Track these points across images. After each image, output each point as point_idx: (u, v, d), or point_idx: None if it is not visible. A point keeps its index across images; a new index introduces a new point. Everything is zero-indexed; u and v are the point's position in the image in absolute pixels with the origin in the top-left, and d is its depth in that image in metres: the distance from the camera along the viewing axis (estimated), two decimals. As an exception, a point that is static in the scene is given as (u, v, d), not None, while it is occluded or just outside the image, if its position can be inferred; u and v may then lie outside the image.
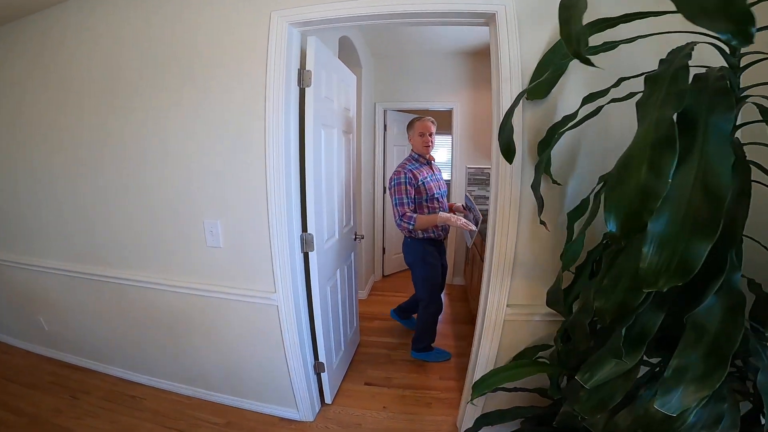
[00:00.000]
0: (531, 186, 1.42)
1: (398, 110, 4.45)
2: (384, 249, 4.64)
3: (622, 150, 0.82)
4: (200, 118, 1.80)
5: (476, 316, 1.99)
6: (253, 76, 1.69)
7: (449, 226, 2.64)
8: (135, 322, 2.28)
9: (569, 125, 1.29)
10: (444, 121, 6.67)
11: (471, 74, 4.11)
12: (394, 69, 4.15)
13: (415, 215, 2.41)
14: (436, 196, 2.56)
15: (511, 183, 1.61)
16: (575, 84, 1.52)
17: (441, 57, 4.08)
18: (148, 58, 1.83)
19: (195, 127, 1.81)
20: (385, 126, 4.38)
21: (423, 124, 2.55)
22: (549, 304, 1.43)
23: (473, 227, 2.43)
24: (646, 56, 1.14)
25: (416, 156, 2.61)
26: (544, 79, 1.40)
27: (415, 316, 3.33)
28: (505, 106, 1.53)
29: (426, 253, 2.62)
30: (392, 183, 2.47)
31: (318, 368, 2.19)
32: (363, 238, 2.72)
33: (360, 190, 3.76)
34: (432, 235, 2.60)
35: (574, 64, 1.37)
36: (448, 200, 4.04)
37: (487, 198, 4.32)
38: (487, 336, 1.81)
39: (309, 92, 1.78)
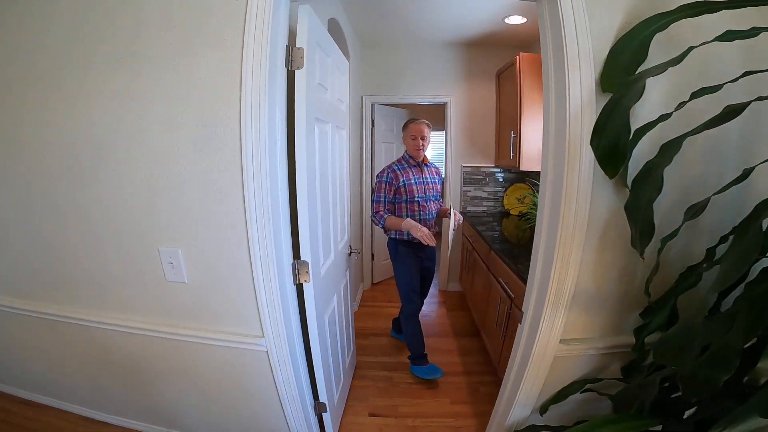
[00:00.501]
0: (625, 206, 1.05)
1: (387, 104, 4.02)
2: (373, 255, 4.23)
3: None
4: (148, 110, 1.30)
5: (480, 327, 1.65)
6: (227, 50, 1.21)
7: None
8: (86, 360, 1.79)
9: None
10: (436, 117, 6.38)
11: (467, 66, 3.74)
12: (382, 59, 3.73)
13: (386, 215, 2.44)
14: (416, 199, 2.50)
15: (577, 200, 1.23)
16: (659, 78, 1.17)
17: (434, 47, 3.69)
18: (70, 27, 1.29)
19: (142, 123, 1.31)
20: (372, 121, 3.95)
21: (416, 128, 2.49)
22: (660, 355, 1.04)
23: (432, 243, 2.32)
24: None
25: (407, 157, 2.59)
26: (626, 63, 1.10)
27: None
28: (575, 98, 1.18)
29: (399, 253, 2.59)
30: (377, 180, 2.52)
31: (319, 409, 1.83)
32: (359, 253, 2.30)
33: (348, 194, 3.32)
34: (404, 237, 2.52)
35: (657, 54, 1.10)
36: (444, 202, 3.71)
37: (485, 199, 3.98)
38: (530, 375, 1.49)
39: (300, 76, 1.33)
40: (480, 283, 3.07)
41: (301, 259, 1.43)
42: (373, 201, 2.50)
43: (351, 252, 2.27)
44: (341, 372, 2.19)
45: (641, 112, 1.20)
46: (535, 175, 3.69)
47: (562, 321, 1.37)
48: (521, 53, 3.07)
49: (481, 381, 2.62)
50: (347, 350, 2.39)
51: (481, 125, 3.84)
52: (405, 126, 2.56)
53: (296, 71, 1.33)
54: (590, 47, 1.16)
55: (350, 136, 3.29)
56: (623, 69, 1.15)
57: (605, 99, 1.17)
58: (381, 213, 2.45)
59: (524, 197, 3.83)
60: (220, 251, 1.38)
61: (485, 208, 4.01)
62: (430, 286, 2.91)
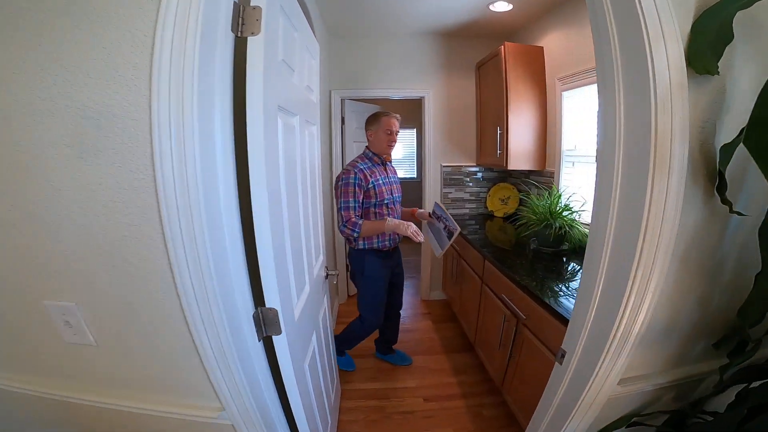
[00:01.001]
0: (759, 231, 0.72)
1: (358, 99, 3.62)
2: (347, 266, 3.81)
3: None
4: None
5: (474, 343, 1.41)
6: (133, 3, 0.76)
7: (399, 235, 2.29)
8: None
9: None
10: (407, 112, 6.04)
11: (445, 58, 3.40)
12: (353, 51, 3.33)
13: (360, 221, 2.09)
14: (386, 201, 2.23)
15: (664, 215, 0.88)
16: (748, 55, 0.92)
17: (410, 37, 3.33)
18: None
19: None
20: (342, 118, 3.53)
21: (391, 121, 2.21)
22: None
23: (421, 238, 2.09)
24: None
25: (371, 154, 2.26)
26: (712, 42, 0.83)
27: (394, 347, 2.87)
28: (663, 82, 0.84)
29: (367, 264, 2.27)
30: (339, 183, 2.13)
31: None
32: (337, 275, 1.89)
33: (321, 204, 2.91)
34: (376, 245, 2.24)
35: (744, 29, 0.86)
36: (422, 205, 3.35)
37: (467, 201, 3.66)
38: (573, 423, 1.18)
39: (256, 46, 0.90)
40: (470, 295, 2.74)
41: (267, 306, 1.01)
42: (340, 208, 2.11)
43: (328, 274, 1.86)
44: (327, 415, 1.79)
45: (734, 106, 0.90)
46: (519, 173, 3.42)
47: (625, 362, 1.04)
48: (506, 43, 2.76)
49: (482, 404, 2.33)
50: (331, 387, 1.98)
51: (461, 121, 3.52)
52: (375, 118, 2.22)
53: (249, 38, 0.90)
54: (674, 19, 0.84)
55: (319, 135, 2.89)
56: (711, 48, 0.84)
57: (698, 84, 0.87)
58: (354, 220, 2.08)
59: (508, 198, 3.54)
60: (135, 305, 0.92)
61: (467, 210, 3.70)
62: (402, 293, 2.66)
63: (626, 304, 0.96)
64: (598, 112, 1.01)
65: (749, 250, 1.02)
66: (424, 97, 3.43)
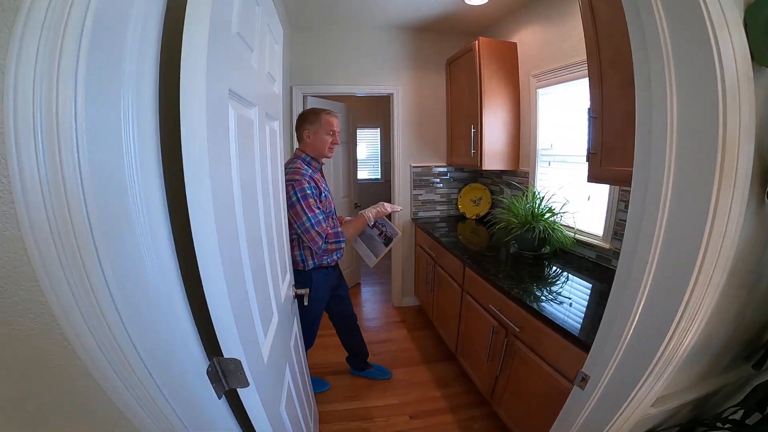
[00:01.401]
0: None
1: (322, 96, 3.34)
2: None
3: None
4: None
5: (457, 352, 1.89)
6: None
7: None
8: None
9: None
10: (370, 111, 5.81)
11: (415, 54, 3.21)
12: (317, 44, 3.05)
13: (340, 229, 1.86)
14: (332, 214, 1.97)
15: (726, 227, 0.73)
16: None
17: (379, 31, 3.11)
18: None
19: None
20: (305, 117, 3.24)
21: (333, 119, 1.93)
22: None
23: (400, 207, 2.14)
24: None
25: (309, 159, 1.91)
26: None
27: (370, 361, 2.62)
28: (731, 75, 0.68)
29: (314, 285, 1.94)
30: (294, 197, 1.74)
31: None
32: (306, 295, 1.62)
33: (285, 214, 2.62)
34: (325, 262, 1.95)
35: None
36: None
37: (438, 203, 3.49)
38: None
39: (198, 5, 0.65)
40: (449, 303, 2.56)
41: (225, 356, 0.74)
42: (312, 226, 1.75)
43: (296, 295, 1.59)
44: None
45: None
46: (490, 173, 3.31)
47: (665, 383, 0.89)
48: (481, 38, 2.61)
49: (472, 416, 2.16)
50: (310, 416, 1.72)
51: (431, 120, 3.34)
52: (315, 117, 1.89)
53: (185, -5, 0.65)
54: (735, 6, 0.68)
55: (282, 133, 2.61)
56: (763, 39, 0.70)
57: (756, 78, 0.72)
58: (332, 231, 1.82)
59: (479, 198, 3.41)
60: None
61: (438, 213, 3.53)
62: (351, 303, 2.38)
63: (676, 325, 0.79)
64: (637, 114, 0.84)
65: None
66: (393, 94, 3.22)
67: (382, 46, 3.14)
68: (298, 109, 3.12)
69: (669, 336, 0.80)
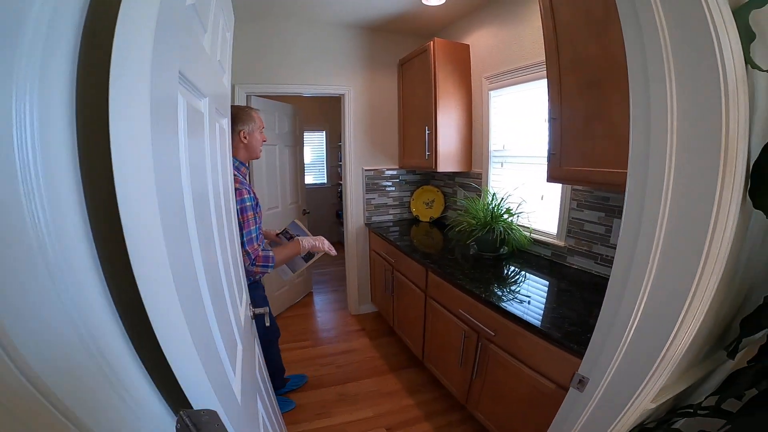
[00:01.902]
0: None
1: (268, 95, 3.12)
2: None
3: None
4: None
5: (424, 358, 1.85)
6: None
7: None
8: None
9: None
10: (315, 113, 5.57)
11: (368, 53, 3.11)
12: (262, 39, 2.81)
13: (271, 253, 1.68)
14: (261, 224, 1.78)
15: (726, 226, 0.70)
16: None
17: (331, 28, 2.96)
18: None
19: None
20: (248, 118, 3.00)
21: (261, 117, 1.81)
22: None
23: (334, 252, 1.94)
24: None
25: (238, 164, 1.69)
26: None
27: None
28: (731, 76, 0.66)
29: (263, 296, 1.92)
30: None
31: None
32: (266, 313, 1.44)
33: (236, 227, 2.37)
34: (257, 277, 1.76)
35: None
36: (343, 216, 3.04)
37: (391, 206, 3.42)
38: None
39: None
40: (412, 309, 2.49)
41: (195, 408, 0.57)
42: (242, 243, 1.56)
43: (254, 315, 1.41)
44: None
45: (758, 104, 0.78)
46: (443, 175, 3.30)
47: (666, 378, 0.87)
48: (436, 39, 2.58)
49: (449, 422, 2.11)
50: None
51: (383, 121, 3.26)
52: (248, 116, 1.71)
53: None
54: (728, 7, 0.67)
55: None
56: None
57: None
58: (263, 254, 1.64)
59: (432, 201, 3.40)
60: None
61: (391, 216, 3.46)
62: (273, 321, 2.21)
63: (680, 324, 0.76)
64: (632, 116, 0.81)
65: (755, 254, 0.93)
66: (344, 95, 3.08)
67: (335, 45, 2.99)
68: (240, 110, 2.88)
69: (673, 335, 0.77)
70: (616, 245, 1.76)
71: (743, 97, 0.68)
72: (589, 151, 1.52)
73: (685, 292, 0.74)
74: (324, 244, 1.88)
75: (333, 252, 1.90)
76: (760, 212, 0.79)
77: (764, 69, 0.73)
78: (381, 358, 2.80)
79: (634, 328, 0.84)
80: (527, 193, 2.28)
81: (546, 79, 1.66)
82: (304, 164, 3.85)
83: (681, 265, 0.75)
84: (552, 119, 1.64)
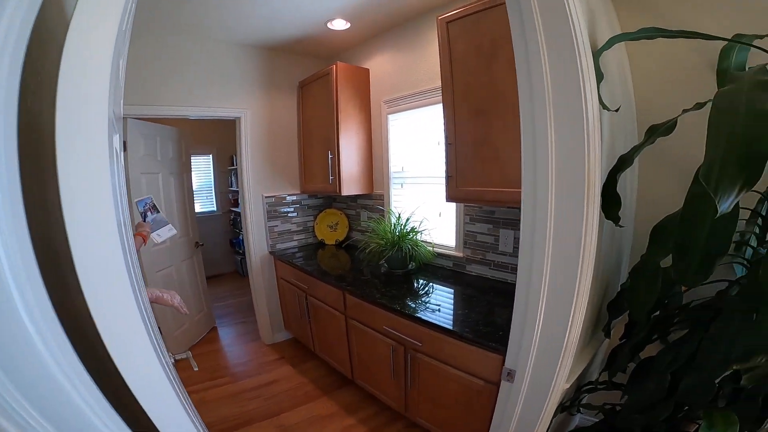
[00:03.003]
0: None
1: (148, 118, 2.80)
2: (159, 327, 2.88)
3: None
4: None
5: (351, 376, 1.95)
6: None
7: None
8: None
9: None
10: (202, 136, 5.09)
11: (268, 74, 3.04)
12: (144, 55, 2.49)
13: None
14: None
15: (593, 235, 0.94)
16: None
17: (224, 47, 2.80)
18: None
19: None
20: (124, 143, 2.66)
21: None
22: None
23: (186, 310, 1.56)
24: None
25: None
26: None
27: None
28: (592, 116, 0.89)
29: None
30: None
31: None
32: (188, 357, 1.28)
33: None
34: None
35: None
36: (246, 250, 2.92)
37: (295, 233, 3.36)
38: (544, 422, 1.17)
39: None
40: (332, 331, 2.47)
41: None
42: None
43: (175, 360, 1.25)
44: None
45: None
46: (344, 198, 3.38)
47: (571, 362, 1.06)
48: (338, 63, 2.67)
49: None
50: None
51: (283, 146, 3.19)
52: None
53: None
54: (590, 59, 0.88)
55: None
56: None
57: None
58: None
59: (336, 224, 3.44)
60: None
61: (296, 242, 3.39)
62: None
63: (573, 313, 0.95)
64: (523, 146, 0.99)
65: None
66: (240, 118, 2.94)
67: (230, 64, 2.84)
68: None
69: (570, 322, 0.96)
70: (504, 252, 2.07)
71: (598, 134, 0.90)
72: (479, 173, 1.75)
73: (573, 285, 0.93)
74: (175, 300, 1.49)
75: (184, 310, 1.51)
76: (610, 222, 1.04)
77: (609, 108, 0.98)
78: (310, 382, 2.70)
79: (541, 322, 1.01)
80: (427, 211, 2.49)
81: (441, 104, 1.86)
82: (192, 192, 3.54)
83: (567, 266, 0.94)
84: (448, 144, 1.85)
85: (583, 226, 0.90)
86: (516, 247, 2.00)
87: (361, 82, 2.82)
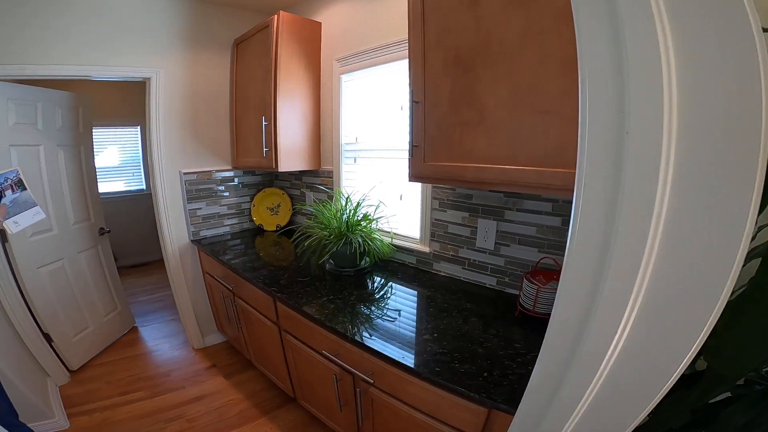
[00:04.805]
0: None
1: (19, 79, 2.04)
2: (46, 334, 2.24)
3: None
4: None
5: (294, 395, 1.61)
6: None
7: None
8: None
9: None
10: (127, 104, 4.16)
11: (191, 28, 2.36)
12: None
13: None
14: None
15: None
16: None
17: None
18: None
19: None
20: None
21: None
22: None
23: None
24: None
25: None
26: None
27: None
28: None
29: None
30: None
31: None
32: None
33: None
34: None
35: None
36: (159, 233, 2.30)
37: (225, 216, 2.75)
38: None
39: None
40: (266, 342, 1.97)
41: None
42: None
43: None
44: None
45: None
46: (288, 175, 2.80)
47: None
48: (281, 12, 2.04)
49: None
50: None
51: (210, 113, 2.53)
52: None
53: None
54: None
55: None
56: None
57: None
58: None
59: (277, 206, 2.86)
60: None
61: (228, 228, 2.78)
62: None
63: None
64: (586, 88, 0.49)
65: None
66: (150, 78, 2.24)
67: (139, 13, 2.13)
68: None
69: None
70: (483, 249, 1.61)
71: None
72: (456, 142, 1.27)
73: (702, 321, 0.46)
74: None
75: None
76: None
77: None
78: (246, 399, 2.19)
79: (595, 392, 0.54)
80: (385, 192, 1.99)
81: (407, 59, 1.35)
82: (94, 168, 2.79)
83: (692, 293, 0.47)
84: (414, 102, 1.34)
85: (746, 226, 0.43)
86: (499, 243, 1.57)
87: (311, 37, 2.22)
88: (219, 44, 2.48)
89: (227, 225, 2.77)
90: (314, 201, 2.51)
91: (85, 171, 2.68)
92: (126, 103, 4.23)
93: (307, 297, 1.59)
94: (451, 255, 1.77)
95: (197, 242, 2.55)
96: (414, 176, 1.43)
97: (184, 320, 2.73)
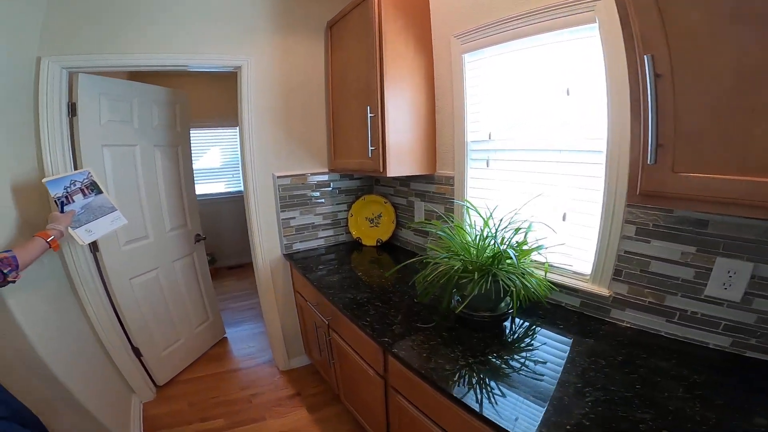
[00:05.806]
0: None
1: (108, 72, 1.90)
2: (136, 348, 2.13)
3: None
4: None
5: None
6: None
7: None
8: None
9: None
10: (225, 102, 4.11)
11: (280, 11, 2.05)
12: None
13: (10, 253, 1.14)
14: None
15: None
16: None
17: None
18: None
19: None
20: (72, 106, 1.78)
21: None
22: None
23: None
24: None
25: None
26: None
27: None
28: None
29: None
30: None
31: None
32: None
33: None
34: None
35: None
36: (251, 241, 2.00)
37: (320, 227, 2.41)
38: None
39: None
40: (365, 389, 1.57)
41: None
42: None
43: None
44: None
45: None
46: (393, 180, 2.36)
47: None
48: None
49: None
50: None
51: (304, 107, 2.20)
52: None
53: None
54: None
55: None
56: None
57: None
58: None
59: (378, 216, 2.44)
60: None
61: (323, 241, 2.44)
62: None
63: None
64: None
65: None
66: (241, 67, 1.98)
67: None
68: (55, 96, 1.67)
69: None
70: (713, 298, 0.93)
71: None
72: (754, 144, 0.67)
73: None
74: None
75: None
76: None
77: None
78: None
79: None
80: (537, 208, 1.43)
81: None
82: (192, 171, 2.65)
83: None
84: (655, 76, 0.76)
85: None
86: (751, 294, 0.94)
87: (417, 11, 1.75)
88: (311, 28, 2.13)
89: (321, 237, 2.43)
90: (435, 217, 2.03)
91: (183, 174, 2.54)
92: (226, 103, 4.18)
93: (431, 353, 1.13)
94: (649, 302, 1.17)
95: (290, 257, 2.24)
96: (645, 194, 0.86)
97: (272, 340, 2.48)
